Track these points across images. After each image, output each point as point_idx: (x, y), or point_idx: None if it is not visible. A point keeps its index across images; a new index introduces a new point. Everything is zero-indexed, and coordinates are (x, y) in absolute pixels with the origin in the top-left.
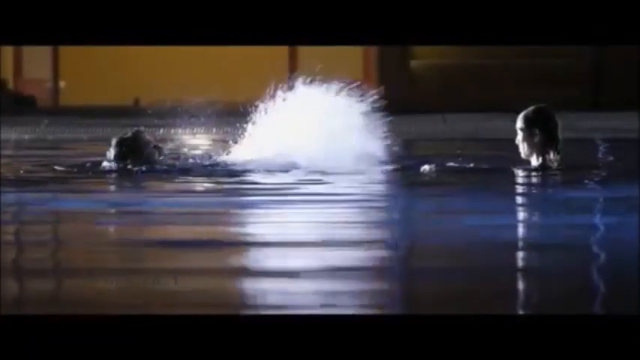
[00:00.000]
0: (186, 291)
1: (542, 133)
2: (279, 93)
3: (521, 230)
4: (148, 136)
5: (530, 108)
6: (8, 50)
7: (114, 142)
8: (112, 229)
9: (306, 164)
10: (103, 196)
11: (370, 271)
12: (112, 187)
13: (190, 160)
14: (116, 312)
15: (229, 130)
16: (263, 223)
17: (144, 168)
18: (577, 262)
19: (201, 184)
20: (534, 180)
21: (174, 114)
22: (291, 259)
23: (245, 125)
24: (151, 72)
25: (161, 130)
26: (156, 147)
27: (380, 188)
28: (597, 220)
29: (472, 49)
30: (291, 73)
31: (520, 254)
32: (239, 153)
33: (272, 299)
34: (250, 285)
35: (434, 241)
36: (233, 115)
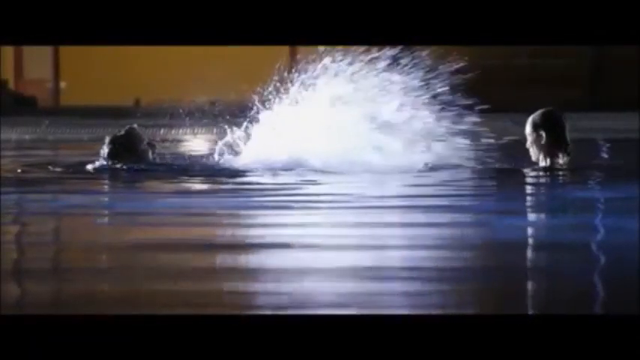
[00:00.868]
0: (207, 292)
1: (550, 135)
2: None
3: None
4: (141, 134)
5: (537, 112)
6: (9, 50)
7: (108, 139)
8: (111, 229)
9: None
10: (106, 197)
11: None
12: (110, 187)
13: (191, 160)
14: (116, 312)
15: (232, 129)
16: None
17: (135, 167)
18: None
19: (221, 184)
20: (541, 180)
21: (174, 114)
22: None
23: (252, 123)
24: (151, 72)
25: (162, 131)
26: (150, 144)
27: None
28: (612, 220)
29: (472, 49)
30: (291, 72)
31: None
32: (265, 152)
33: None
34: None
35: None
36: (234, 115)
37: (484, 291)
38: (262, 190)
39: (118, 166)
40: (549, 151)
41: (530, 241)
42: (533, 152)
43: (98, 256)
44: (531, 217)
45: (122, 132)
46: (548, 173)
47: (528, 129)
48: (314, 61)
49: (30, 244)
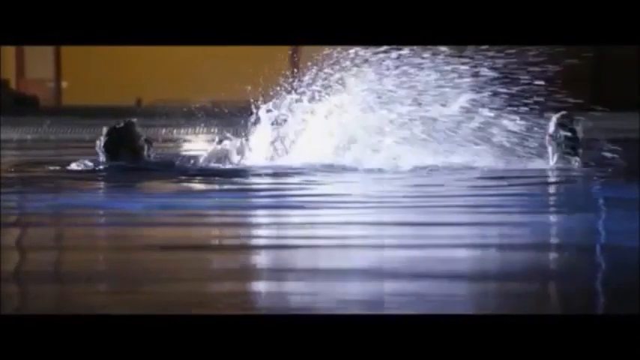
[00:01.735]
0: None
1: (567, 137)
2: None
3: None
4: (139, 129)
5: (557, 114)
6: (10, 50)
7: (105, 130)
8: (122, 229)
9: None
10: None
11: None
12: (122, 187)
13: (208, 162)
14: (116, 312)
15: (238, 130)
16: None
17: (151, 166)
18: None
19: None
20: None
21: (176, 114)
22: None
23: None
24: (153, 72)
25: (163, 130)
26: (147, 140)
27: None
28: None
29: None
30: (293, 72)
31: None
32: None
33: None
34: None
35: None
36: (236, 114)
37: (484, 291)
38: (325, 196)
39: (116, 163)
40: (565, 151)
41: (530, 240)
42: (551, 152)
43: (99, 256)
44: (533, 216)
45: (121, 124)
46: (557, 173)
47: (550, 129)
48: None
49: (30, 243)
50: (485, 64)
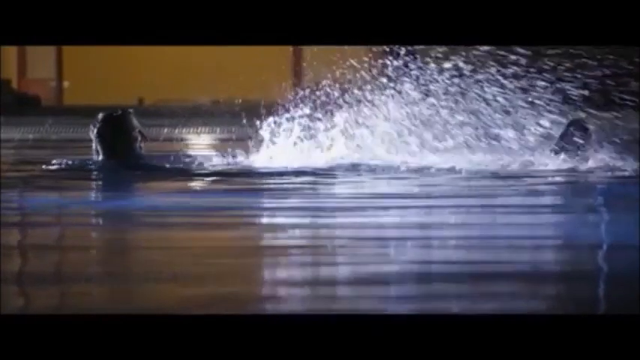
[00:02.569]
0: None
1: (577, 141)
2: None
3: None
4: (135, 121)
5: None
6: (12, 50)
7: (101, 116)
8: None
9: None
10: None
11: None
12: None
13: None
14: (116, 312)
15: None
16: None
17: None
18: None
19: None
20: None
21: (178, 113)
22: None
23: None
24: (155, 72)
25: (165, 130)
26: (141, 133)
27: None
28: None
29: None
30: (294, 72)
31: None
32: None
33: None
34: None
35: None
36: (237, 114)
37: (484, 291)
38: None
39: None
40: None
41: (530, 240)
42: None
43: (100, 256)
44: (533, 216)
45: (118, 112)
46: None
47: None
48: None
49: (30, 243)
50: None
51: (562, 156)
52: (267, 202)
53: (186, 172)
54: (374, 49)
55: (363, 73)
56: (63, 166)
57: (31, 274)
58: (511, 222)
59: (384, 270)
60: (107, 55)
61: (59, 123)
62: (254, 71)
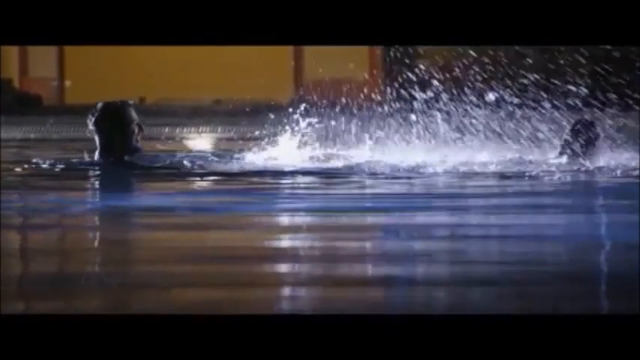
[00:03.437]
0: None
1: (582, 141)
2: None
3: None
4: (134, 113)
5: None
6: (13, 49)
7: (100, 105)
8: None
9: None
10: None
11: None
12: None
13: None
14: (116, 312)
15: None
16: None
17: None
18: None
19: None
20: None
21: (180, 113)
22: None
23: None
24: (156, 71)
25: (166, 129)
26: (139, 125)
27: None
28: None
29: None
30: (296, 71)
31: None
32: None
33: None
34: None
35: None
36: (238, 114)
37: (484, 291)
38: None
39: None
40: (576, 151)
41: (530, 240)
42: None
43: (101, 256)
44: (532, 216)
45: (118, 102)
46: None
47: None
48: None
49: (29, 243)
50: None
51: (569, 155)
52: (280, 203)
53: (183, 170)
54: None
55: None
56: (58, 164)
57: (30, 274)
58: (512, 222)
59: (383, 270)
60: (109, 55)
61: (61, 122)
62: (260, 71)
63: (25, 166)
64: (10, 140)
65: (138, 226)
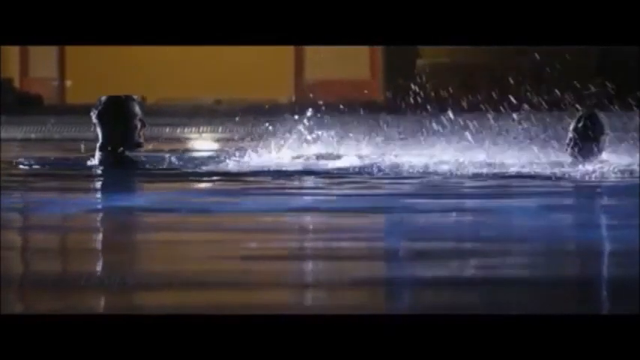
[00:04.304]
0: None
1: (588, 135)
2: None
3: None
4: (138, 108)
5: (579, 113)
6: (14, 49)
7: (103, 98)
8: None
9: None
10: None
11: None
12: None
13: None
14: (116, 312)
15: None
16: None
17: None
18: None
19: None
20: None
21: (180, 113)
22: None
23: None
24: (157, 70)
25: (167, 129)
26: (142, 121)
27: None
28: None
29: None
30: (297, 71)
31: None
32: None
33: None
34: None
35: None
36: (240, 114)
37: (484, 291)
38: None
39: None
40: (581, 149)
41: (530, 239)
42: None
43: (100, 255)
44: (532, 216)
45: (122, 97)
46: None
47: (572, 125)
48: None
49: (29, 243)
50: None
51: (576, 152)
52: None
53: (183, 170)
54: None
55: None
56: (57, 164)
57: (30, 273)
58: (510, 222)
59: (380, 271)
60: (109, 54)
61: (62, 122)
62: (260, 71)
63: (22, 165)
64: (11, 140)
65: (138, 225)
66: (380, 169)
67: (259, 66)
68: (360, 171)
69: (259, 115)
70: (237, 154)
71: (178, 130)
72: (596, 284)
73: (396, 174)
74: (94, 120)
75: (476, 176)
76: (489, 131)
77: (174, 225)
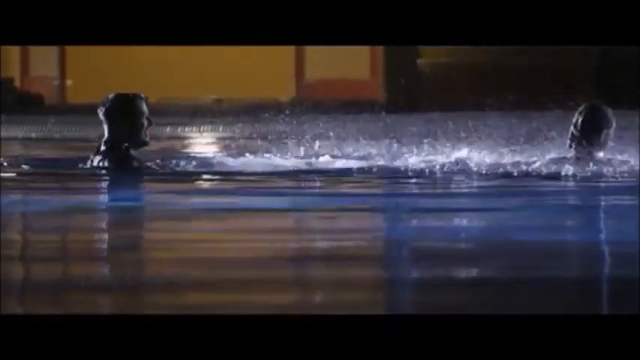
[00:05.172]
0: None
1: (590, 128)
2: None
3: None
4: (145, 106)
5: (582, 105)
6: (14, 48)
7: (111, 96)
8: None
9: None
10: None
11: None
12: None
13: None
14: (116, 312)
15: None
16: None
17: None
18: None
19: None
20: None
21: (181, 112)
22: None
23: None
24: (158, 70)
25: (168, 129)
26: (148, 119)
27: None
28: None
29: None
30: (297, 70)
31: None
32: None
33: None
34: None
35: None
36: (241, 113)
37: (484, 291)
38: None
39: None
40: (582, 143)
41: (530, 239)
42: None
43: (100, 255)
44: (532, 215)
45: (130, 95)
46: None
47: (575, 117)
48: None
49: (29, 243)
50: None
51: (577, 148)
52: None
53: (184, 171)
54: None
55: None
56: (60, 163)
57: (30, 274)
58: (511, 223)
59: (380, 271)
60: (110, 54)
61: (62, 122)
62: (260, 71)
63: (24, 166)
64: (12, 140)
65: (138, 225)
66: (380, 170)
67: (260, 66)
68: (360, 171)
69: (259, 114)
70: (236, 154)
71: (179, 129)
72: (596, 284)
73: (396, 174)
74: (102, 117)
75: (479, 176)
76: (489, 131)
77: (174, 225)
